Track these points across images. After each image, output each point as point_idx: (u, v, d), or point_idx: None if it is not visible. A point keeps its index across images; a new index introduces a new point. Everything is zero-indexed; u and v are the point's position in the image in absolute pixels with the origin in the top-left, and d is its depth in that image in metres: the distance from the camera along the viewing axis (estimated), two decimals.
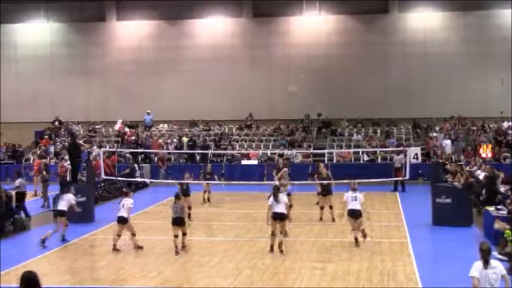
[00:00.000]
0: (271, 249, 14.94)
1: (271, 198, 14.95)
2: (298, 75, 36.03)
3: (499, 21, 34.98)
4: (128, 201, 15.39)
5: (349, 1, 36.35)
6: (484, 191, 20.57)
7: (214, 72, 36.90)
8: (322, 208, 19.32)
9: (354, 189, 15.67)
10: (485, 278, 8.17)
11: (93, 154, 26.95)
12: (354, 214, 15.38)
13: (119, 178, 26.35)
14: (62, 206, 16.66)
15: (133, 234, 15.55)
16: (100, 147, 31.14)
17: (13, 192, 20.24)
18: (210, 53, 37.08)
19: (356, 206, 15.36)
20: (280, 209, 14.80)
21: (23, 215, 19.47)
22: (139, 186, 28.72)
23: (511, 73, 33.20)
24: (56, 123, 36.71)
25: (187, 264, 14.00)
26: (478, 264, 8.29)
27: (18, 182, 20.82)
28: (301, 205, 21.42)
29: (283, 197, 15.12)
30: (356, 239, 15.53)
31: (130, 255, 15.08)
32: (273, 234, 14.91)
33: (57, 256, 15.33)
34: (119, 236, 15.45)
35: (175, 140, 34.13)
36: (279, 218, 14.80)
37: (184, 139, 33.62)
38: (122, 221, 15.38)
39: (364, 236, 15.48)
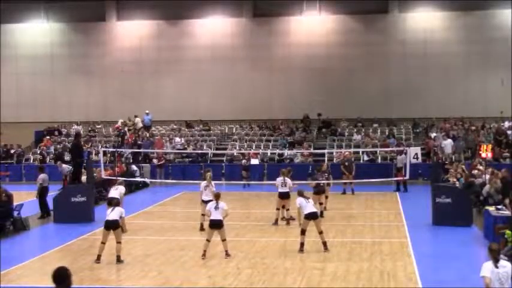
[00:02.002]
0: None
1: (304, 201, 14.88)
2: (298, 75, 36.10)
3: (499, 21, 34.97)
4: (223, 204, 14.41)
5: (349, 1, 36.31)
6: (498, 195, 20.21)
7: (214, 72, 36.87)
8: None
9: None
10: (495, 277, 8.25)
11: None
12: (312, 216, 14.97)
13: (118, 178, 26.32)
14: (205, 196, 17.24)
15: (224, 240, 14.50)
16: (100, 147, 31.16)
17: (37, 188, 20.69)
18: (209, 53, 37.06)
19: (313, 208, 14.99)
20: (311, 208, 14.85)
21: (21, 214, 19.31)
22: (139, 186, 28.72)
23: (511, 73, 33.21)
24: (56, 132, 36.45)
25: (187, 264, 13.99)
26: (488, 264, 8.37)
27: (41, 177, 20.83)
28: None
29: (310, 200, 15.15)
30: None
31: (131, 255, 15.05)
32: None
33: (57, 256, 15.32)
34: (208, 241, 14.46)
35: (177, 139, 34.10)
36: (312, 217, 14.80)
37: (184, 139, 33.56)
38: (219, 224, 14.29)
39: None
